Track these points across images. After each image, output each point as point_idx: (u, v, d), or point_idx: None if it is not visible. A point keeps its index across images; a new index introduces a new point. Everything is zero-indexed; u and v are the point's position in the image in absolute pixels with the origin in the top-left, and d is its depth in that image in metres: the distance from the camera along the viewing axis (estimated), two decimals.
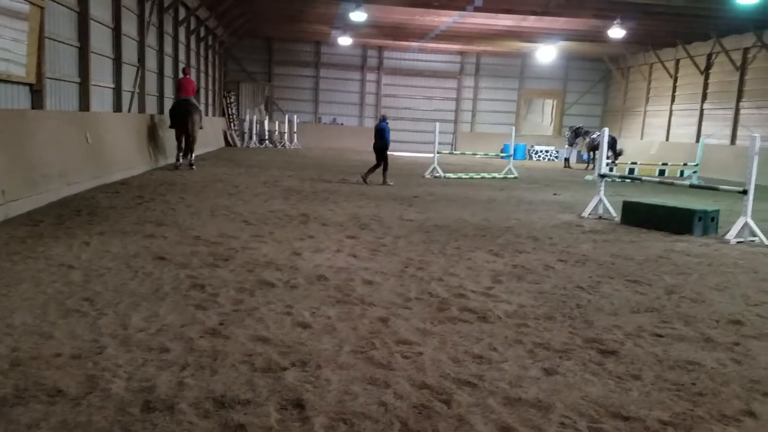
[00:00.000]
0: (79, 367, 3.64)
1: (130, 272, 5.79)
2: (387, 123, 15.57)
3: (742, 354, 4.40)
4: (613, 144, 22.82)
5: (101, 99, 14.11)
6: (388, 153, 15.55)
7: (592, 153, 25.21)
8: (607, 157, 22.42)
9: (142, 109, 16.98)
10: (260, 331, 4.37)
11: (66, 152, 10.67)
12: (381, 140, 15.29)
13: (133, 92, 16.36)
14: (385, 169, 15.45)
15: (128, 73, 15.85)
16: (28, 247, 6.59)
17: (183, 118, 15.76)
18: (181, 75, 17.28)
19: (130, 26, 15.84)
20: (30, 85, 10.33)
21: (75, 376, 3.51)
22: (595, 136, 24.39)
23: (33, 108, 10.47)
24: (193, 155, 16.68)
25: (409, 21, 24.63)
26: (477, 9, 20.99)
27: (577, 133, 26.29)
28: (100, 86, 13.86)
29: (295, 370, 3.74)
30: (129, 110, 16.00)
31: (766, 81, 22.35)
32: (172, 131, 16.50)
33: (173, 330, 4.32)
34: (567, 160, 27.25)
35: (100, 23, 13.67)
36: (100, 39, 13.69)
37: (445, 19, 23.64)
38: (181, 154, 16.38)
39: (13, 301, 4.79)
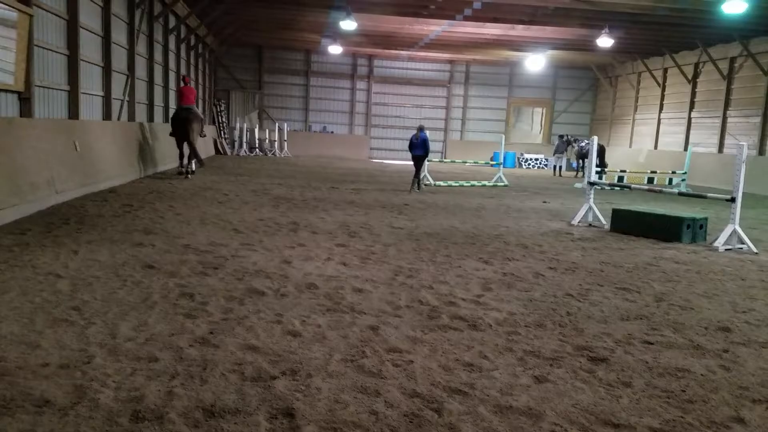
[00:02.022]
0: (66, 377, 3.61)
1: (118, 281, 5.75)
2: (425, 132, 16.54)
3: (731, 361, 4.43)
4: (601, 152, 22.98)
5: (90, 107, 14.04)
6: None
7: (580, 161, 25.39)
8: (596, 165, 22.63)
9: (131, 117, 16.91)
10: (250, 340, 4.35)
11: (54, 160, 10.60)
12: (423, 149, 16.25)
13: (122, 100, 16.30)
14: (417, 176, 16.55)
15: (118, 82, 15.80)
16: (14, 255, 6.53)
17: (183, 127, 16.02)
18: (181, 84, 17.34)
19: (119, 34, 15.81)
20: (18, 92, 10.28)
21: (63, 386, 3.47)
22: (583, 144, 24.63)
23: (21, 116, 10.41)
24: (193, 163, 16.80)
25: (398, 30, 24.73)
26: (466, 18, 21.12)
27: (568, 142, 26.45)
28: (89, 94, 13.80)
29: (285, 379, 3.72)
30: (118, 118, 15.93)
31: (753, 90, 22.59)
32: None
33: (162, 339, 4.29)
34: (556, 168, 27.29)
35: (90, 31, 13.63)
36: (89, 47, 13.64)
37: (435, 28, 23.76)
38: (183, 161, 16.71)
39: (0, 310, 4.75)
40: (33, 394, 3.35)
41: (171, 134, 16.69)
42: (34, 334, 4.28)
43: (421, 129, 16.53)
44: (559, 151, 26.98)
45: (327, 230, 9.26)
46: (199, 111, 17.20)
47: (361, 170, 23.63)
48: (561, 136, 27.14)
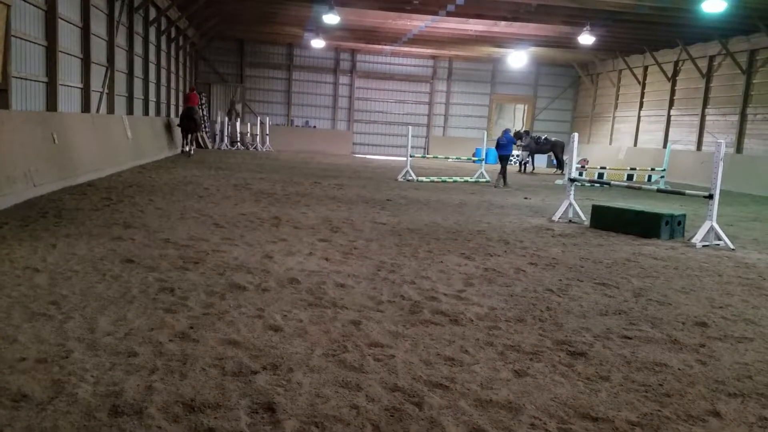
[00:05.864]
0: (44, 371, 3.57)
1: (97, 275, 5.69)
2: (510, 134, 18.67)
3: (708, 355, 4.49)
4: (562, 148, 23.17)
5: (69, 99, 13.86)
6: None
7: (533, 156, 26.04)
8: (561, 164, 23.00)
9: (111, 110, 16.73)
10: (231, 335, 4.33)
11: (32, 153, 10.45)
12: (507, 150, 18.29)
13: (101, 93, 16.11)
14: (504, 173, 18.25)
15: (97, 74, 15.61)
16: None
17: (191, 122, 21.98)
18: (188, 90, 24.41)
19: (99, 26, 15.60)
20: None
21: (40, 381, 3.43)
22: (542, 139, 25.39)
23: None
24: (193, 148, 23.08)
25: (382, 25, 24.68)
26: (449, 14, 21.14)
27: (536, 139, 26.17)
28: (67, 86, 13.62)
29: (266, 374, 3.71)
30: (97, 111, 15.75)
31: (731, 88, 22.87)
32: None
33: (142, 334, 4.26)
34: (526, 164, 26.48)
35: (69, 22, 13.44)
36: (68, 38, 13.46)
37: (418, 23, 23.75)
38: (185, 145, 22.78)
39: None
40: (10, 389, 3.31)
41: (178, 125, 22.63)
42: (12, 328, 4.23)
43: (506, 131, 18.67)
44: (530, 148, 26.20)
45: (309, 225, 9.24)
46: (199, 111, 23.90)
47: (343, 165, 23.58)
48: (527, 132, 26.42)
